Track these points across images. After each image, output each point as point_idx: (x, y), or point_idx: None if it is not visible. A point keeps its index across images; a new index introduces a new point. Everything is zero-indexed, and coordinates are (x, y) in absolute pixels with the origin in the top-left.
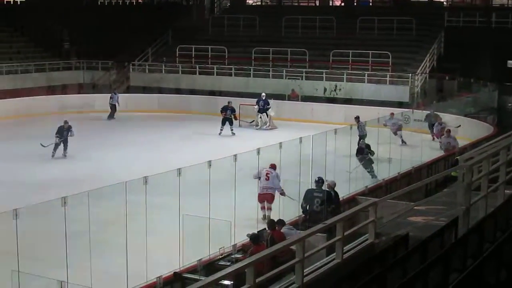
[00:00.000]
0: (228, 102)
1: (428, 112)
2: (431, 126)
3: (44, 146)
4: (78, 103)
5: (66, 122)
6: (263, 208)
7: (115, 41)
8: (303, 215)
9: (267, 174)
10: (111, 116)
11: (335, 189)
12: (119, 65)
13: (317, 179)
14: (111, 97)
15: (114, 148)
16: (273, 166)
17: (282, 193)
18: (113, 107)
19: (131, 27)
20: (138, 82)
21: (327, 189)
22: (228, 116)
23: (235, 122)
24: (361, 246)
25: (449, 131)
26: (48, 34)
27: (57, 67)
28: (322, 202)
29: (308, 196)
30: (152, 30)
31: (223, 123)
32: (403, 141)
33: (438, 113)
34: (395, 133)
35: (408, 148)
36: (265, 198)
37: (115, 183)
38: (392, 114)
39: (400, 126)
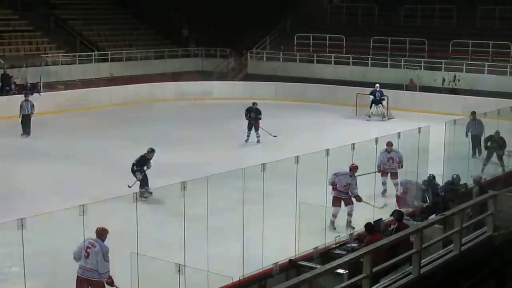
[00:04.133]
0: (253, 103)
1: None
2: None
3: (129, 187)
4: (196, 90)
5: (152, 151)
6: None
7: (234, 29)
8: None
9: (87, 248)
10: (25, 132)
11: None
12: (237, 53)
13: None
14: (21, 106)
15: (230, 135)
16: (101, 233)
17: (109, 282)
18: (24, 118)
19: (250, 15)
20: (256, 70)
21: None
22: (252, 119)
23: (352, 112)
24: (479, 239)
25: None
26: (168, 22)
27: (175, 54)
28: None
29: None
30: (271, 18)
31: (249, 128)
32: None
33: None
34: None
35: None
36: (82, 286)
37: (233, 169)
38: (390, 144)
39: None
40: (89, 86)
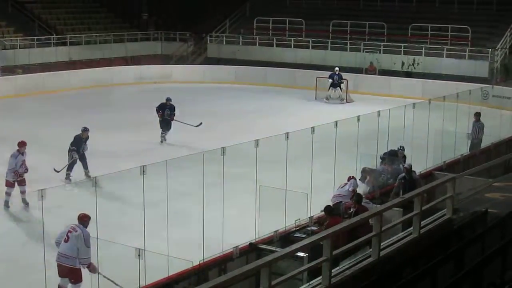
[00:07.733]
0: (167, 99)
1: None
2: None
3: (57, 171)
4: (156, 73)
5: (86, 129)
6: None
7: (194, 13)
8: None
9: (68, 232)
10: None
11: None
12: (196, 36)
13: None
14: None
15: (190, 119)
16: (83, 219)
17: (91, 269)
18: None
19: None
20: (215, 54)
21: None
22: (165, 117)
23: (312, 96)
24: (438, 221)
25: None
26: (127, 5)
27: (135, 38)
28: None
29: None
30: (230, 1)
31: (162, 126)
32: None
33: None
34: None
35: (487, 124)
36: (62, 272)
37: (193, 153)
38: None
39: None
40: (47, 70)
